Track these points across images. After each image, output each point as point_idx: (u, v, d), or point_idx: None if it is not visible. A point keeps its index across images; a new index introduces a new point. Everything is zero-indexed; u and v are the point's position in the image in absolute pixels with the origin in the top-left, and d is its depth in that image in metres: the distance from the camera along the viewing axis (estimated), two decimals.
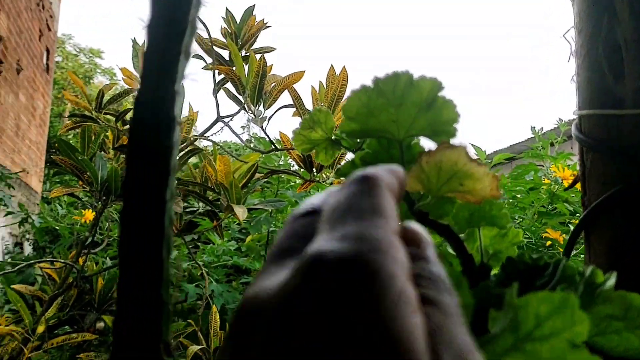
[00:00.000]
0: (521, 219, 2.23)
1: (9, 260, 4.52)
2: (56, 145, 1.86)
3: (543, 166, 2.71)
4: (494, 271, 0.28)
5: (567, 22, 0.62)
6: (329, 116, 0.35)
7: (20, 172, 3.31)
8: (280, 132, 1.96)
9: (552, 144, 2.75)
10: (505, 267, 0.26)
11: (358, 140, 0.33)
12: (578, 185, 0.61)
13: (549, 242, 1.97)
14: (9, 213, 2.73)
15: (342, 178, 0.31)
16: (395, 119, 0.29)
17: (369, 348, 0.16)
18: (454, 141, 0.29)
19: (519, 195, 2.38)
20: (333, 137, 0.34)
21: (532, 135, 2.83)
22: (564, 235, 1.86)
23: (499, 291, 0.23)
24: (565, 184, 2.10)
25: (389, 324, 0.17)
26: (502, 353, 0.22)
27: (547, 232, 1.88)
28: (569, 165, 2.24)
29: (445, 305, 0.20)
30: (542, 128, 2.87)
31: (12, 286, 2.32)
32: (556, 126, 2.71)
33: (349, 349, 0.16)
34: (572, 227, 2.08)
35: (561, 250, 1.93)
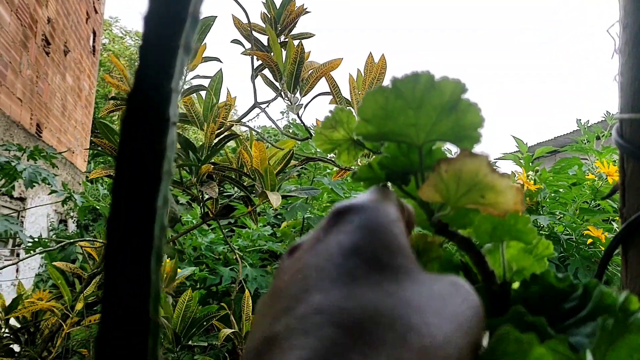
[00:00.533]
0: (562, 215, 2.16)
1: (54, 237, 4.68)
2: None
3: (587, 160, 2.61)
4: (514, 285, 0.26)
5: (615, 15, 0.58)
6: (352, 116, 0.34)
7: (65, 151, 3.40)
8: (317, 119, 1.95)
9: (598, 138, 2.65)
10: (527, 284, 0.24)
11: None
12: (616, 196, 0.57)
13: (590, 240, 1.90)
14: (52, 192, 2.82)
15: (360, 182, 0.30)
16: (414, 122, 0.27)
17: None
18: (476, 149, 0.27)
19: (561, 190, 2.30)
20: (355, 138, 0.33)
21: (578, 128, 2.73)
22: (606, 233, 1.80)
23: (536, 320, 0.21)
24: (610, 181, 2.02)
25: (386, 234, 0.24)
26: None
27: (588, 230, 1.82)
28: (614, 161, 2.16)
29: None
30: (588, 121, 2.77)
31: (53, 263, 2.39)
32: (603, 119, 2.61)
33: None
34: (615, 226, 2.00)
35: (602, 248, 1.87)
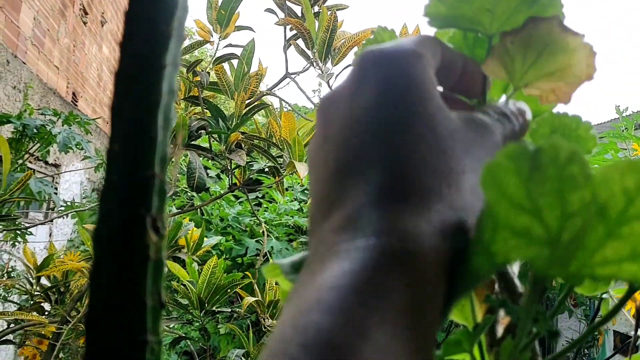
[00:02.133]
0: None
1: (86, 202, 4.78)
2: None
3: (626, 149, 2.53)
4: None
5: None
6: (394, 36, 0.32)
7: (98, 118, 3.46)
8: None
9: (637, 128, 2.56)
10: None
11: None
12: None
13: None
14: (85, 157, 2.87)
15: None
16: (491, 7, 0.26)
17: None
18: None
19: None
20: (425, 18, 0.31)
21: (617, 116, 2.65)
22: None
23: None
24: None
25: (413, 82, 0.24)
26: (596, 248, 0.19)
27: None
28: None
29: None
30: (627, 107, 2.68)
31: (84, 225, 2.44)
32: None
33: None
34: None
35: None
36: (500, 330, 0.32)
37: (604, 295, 0.60)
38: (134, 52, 0.21)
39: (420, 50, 0.26)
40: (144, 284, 0.20)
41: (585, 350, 5.17)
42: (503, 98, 0.31)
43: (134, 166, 0.21)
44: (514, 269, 0.30)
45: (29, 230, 2.42)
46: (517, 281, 0.29)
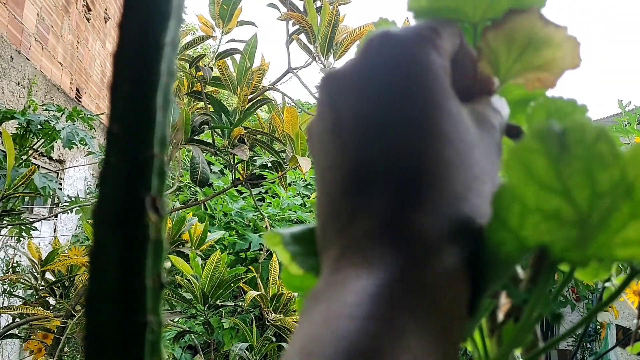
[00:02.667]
0: None
1: (90, 199, 4.79)
2: None
3: (629, 144, 2.52)
4: None
5: None
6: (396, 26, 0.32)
7: (102, 113, 3.46)
8: None
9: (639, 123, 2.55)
10: None
11: None
12: None
13: None
14: (89, 153, 2.87)
15: None
16: None
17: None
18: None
19: None
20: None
21: (619, 111, 2.64)
22: None
23: None
24: None
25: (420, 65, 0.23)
26: (619, 228, 0.19)
27: None
28: None
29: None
30: (630, 102, 2.67)
31: (88, 220, 2.45)
32: None
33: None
34: None
35: None
36: (500, 316, 0.32)
37: (607, 284, 0.60)
38: (133, 32, 0.21)
39: (434, 36, 0.24)
40: (144, 264, 0.20)
41: (588, 344, 5.17)
42: None
43: (133, 147, 0.21)
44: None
45: (33, 225, 2.42)
46: (517, 266, 0.29)
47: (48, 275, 2.45)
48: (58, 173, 4.28)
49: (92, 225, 0.20)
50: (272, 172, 2.88)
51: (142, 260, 0.20)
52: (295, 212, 3.31)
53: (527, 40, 0.25)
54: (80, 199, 2.89)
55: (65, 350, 2.38)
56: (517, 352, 0.27)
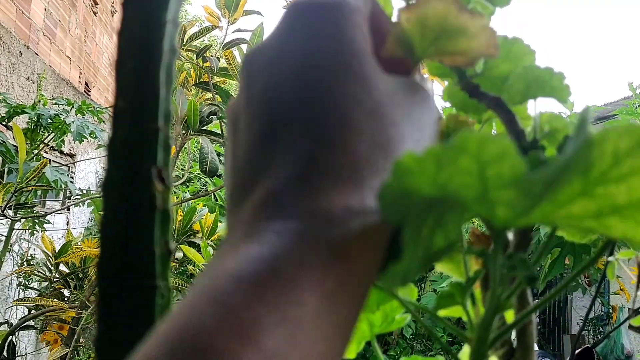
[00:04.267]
0: None
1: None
2: None
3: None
4: (549, 153, 0.25)
5: None
6: (388, 1, 0.33)
7: (110, 107, 3.48)
8: None
9: None
10: (563, 147, 0.23)
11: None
12: None
13: None
14: (100, 146, 2.90)
15: None
16: None
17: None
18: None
19: None
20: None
21: (630, 94, 2.61)
22: None
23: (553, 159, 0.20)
24: None
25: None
26: (565, 203, 0.20)
27: None
28: None
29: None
30: None
31: (100, 212, 2.48)
32: None
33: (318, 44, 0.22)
34: None
35: None
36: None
37: (610, 259, 0.60)
38: (136, 10, 0.22)
39: (355, 2, 0.23)
40: (152, 232, 0.21)
41: (600, 328, 5.15)
42: None
43: (139, 121, 0.22)
44: None
45: (46, 218, 2.45)
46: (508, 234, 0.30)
47: (62, 268, 2.49)
48: (69, 167, 4.32)
49: (102, 196, 0.21)
50: None
51: (150, 228, 0.21)
52: None
53: (440, 28, 0.24)
54: (92, 192, 2.92)
55: (80, 341, 2.41)
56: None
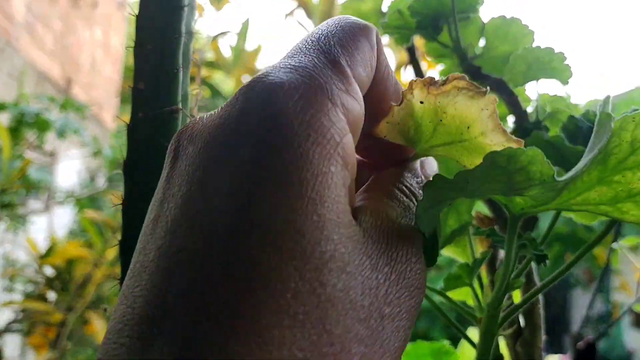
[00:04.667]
0: None
1: (85, 191, 4.78)
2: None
3: None
4: (552, 133, 0.26)
5: None
6: None
7: (93, 105, 3.45)
8: None
9: None
10: (566, 127, 0.23)
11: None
12: None
13: None
14: (83, 145, 2.87)
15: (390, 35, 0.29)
16: None
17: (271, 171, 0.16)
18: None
19: None
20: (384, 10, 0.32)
21: (636, 87, 2.64)
22: None
23: (556, 140, 0.20)
24: None
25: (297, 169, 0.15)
26: (583, 190, 0.20)
27: None
28: None
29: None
30: None
31: (85, 211, 2.45)
32: None
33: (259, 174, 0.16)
34: None
35: None
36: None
37: (614, 245, 0.61)
38: None
39: (335, 87, 0.17)
40: None
41: (601, 326, 5.17)
42: None
43: (158, 102, 0.21)
44: None
45: (30, 219, 2.42)
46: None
47: (47, 270, 2.46)
48: (51, 166, 4.27)
49: (124, 174, 0.21)
50: None
51: None
52: None
53: (460, 136, 0.20)
54: (75, 194, 2.89)
55: (67, 344, 2.39)
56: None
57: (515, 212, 0.23)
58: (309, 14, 1.71)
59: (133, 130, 0.21)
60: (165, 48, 0.22)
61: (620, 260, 0.66)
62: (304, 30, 1.72)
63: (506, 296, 0.26)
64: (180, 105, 0.22)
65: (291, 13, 1.85)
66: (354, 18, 0.21)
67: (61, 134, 2.58)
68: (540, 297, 0.30)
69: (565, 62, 0.29)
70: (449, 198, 0.20)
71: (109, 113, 6.82)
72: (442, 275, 0.29)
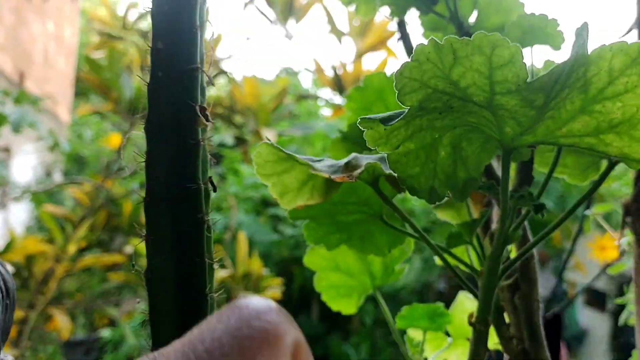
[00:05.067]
0: None
1: (41, 186, 4.64)
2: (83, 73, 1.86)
3: None
4: None
5: None
6: (384, 79, 0.34)
7: (48, 99, 3.35)
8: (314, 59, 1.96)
9: None
10: (553, 70, 0.25)
11: None
12: None
13: None
14: (39, 139, 2.78)
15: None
16: None
17: None
18: None
19: None
20: None
21: None
22: None
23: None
24: None
25: None
26: (567, 120, 0.22)
27: None
28: None
29: None
30: None
31: (44, 206, 2.38)
32: None
33: None
34: None
35: None
36: (494, 227, 0.35)
37: (586, 212, 0.63)
38: None
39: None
40: (197, 167, 0.21)
41: (554, 306, 5.31)
42: None
43: (177, 61, 0.22)
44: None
45: None
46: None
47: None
48: (6, 161, 4.13)
49: (145, 137, 0.21)
50: (232, 149, 2.85)
51: (194, 164, 0.21)
52: (257, 189, 3.30)
53: None
54: (31, 189, 2.80)
55: (28, 342, 2.33)
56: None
57: (507, 142, 0.24)
58: (270, 3, 1.71)
59: (153, 89, 0.21)
60: (183, 8, 0.22)
61: (593, 225, 0.68)
62: (265, 19, 1.72)
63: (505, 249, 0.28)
64: (199, 64, 0.22)
65: (251, 1, 1.84)
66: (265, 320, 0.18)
67: (16, 128, 2.49)
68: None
69: (558, 29, 0.30)
70: (433, 85, 0.21)
71: (64, 107, 6.62)
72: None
